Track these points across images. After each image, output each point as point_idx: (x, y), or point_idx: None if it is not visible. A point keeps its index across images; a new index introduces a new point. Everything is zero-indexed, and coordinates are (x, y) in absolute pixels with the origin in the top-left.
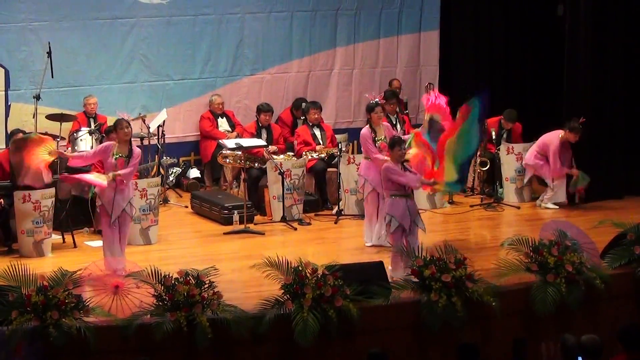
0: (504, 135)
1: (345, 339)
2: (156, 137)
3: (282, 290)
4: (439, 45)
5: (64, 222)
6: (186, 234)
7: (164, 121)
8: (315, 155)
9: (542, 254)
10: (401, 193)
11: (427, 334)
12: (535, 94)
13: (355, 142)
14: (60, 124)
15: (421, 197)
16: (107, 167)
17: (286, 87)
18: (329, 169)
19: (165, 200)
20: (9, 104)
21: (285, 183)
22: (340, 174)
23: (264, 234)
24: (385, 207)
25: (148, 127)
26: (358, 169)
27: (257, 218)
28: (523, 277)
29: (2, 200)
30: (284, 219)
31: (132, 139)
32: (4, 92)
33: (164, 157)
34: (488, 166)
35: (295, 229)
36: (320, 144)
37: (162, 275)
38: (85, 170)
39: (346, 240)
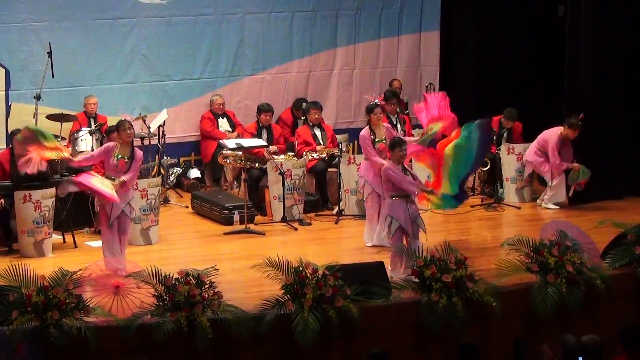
0: (505, 135)
1: (345, 339)
2: (157, 137)
3: (283, 291)
4: (440, 46)
5: (65, 222)
6: (187, 234)
7: (164, 121)
8: (315, 155)
9: (542, 254)
10: (401, 194)
11: (428, 334)
12: (535, 95)
13: (356, 142)
14: (61, 124)
15: None
16: (108, 167)
17: (287, 87)
18: (329, 169)
19: (166, 201)
20: (10, 104)
21: (285, 183)
22: (340, 174)
23: (264, 234)
24: (385, 208)
25: (148, 127)
26: (358, 169)
27: (258, 218)
28: (523, 278)
29: (2, 200)
30: (284, 219)
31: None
32: (4, 92)
33: (165, 157)
34: (488, 166)
35: (296, 229)
36: (320, 144)
37: (163, 275)
38: (87, 169)
39: (347, 241)
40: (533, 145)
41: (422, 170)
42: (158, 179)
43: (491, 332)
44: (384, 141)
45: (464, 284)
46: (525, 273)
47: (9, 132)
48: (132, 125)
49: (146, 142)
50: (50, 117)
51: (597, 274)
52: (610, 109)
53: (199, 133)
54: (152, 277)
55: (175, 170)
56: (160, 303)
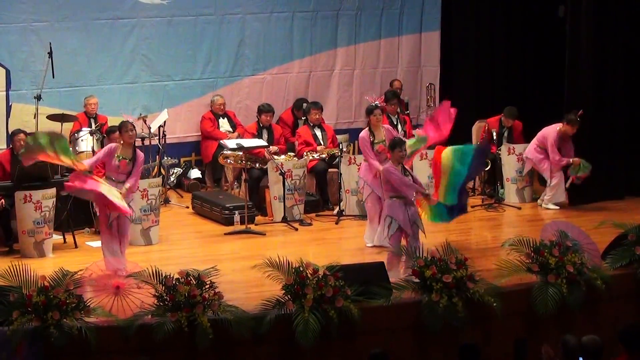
0: (505, 134)
1: (346, 340)
2: (157, 137)
3: (283, 291)
4: (440, 46)
5: (65, 222)
6: (187, 234)
7: (165, 121)
8: (316, 155)
9: (543, 254)
10: (401, 195)
11: (428, 335)
12: (536, 95)
13: (356, 142)
14: (61, 125)
15: None
16: (110, 168)
17: (287, 87)
18: (330, 170)
19: (166, 201)
20: (10, 104)
21: (286, 183)
22: (341, 174)
23: (265, 234)
24: (385, 209)
25: (149, 128)
26: (359, 169)
27: (258, 218)
28: (524, 278)
29: (3, 200)
30: (285, 220)
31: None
32: (5, 93)
33: (165, 158)
34: (489, 167)
35: (296, 229)
36: (321, 144)
37: (163, 275)
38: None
39: (347, 241)
40: (533, 142)
41: (423, 172)
42: (158, 179)
43: (492, 332)
44: (383, 143)
45: (464, 284)
46: (525, 273)
47: (10, 132)
48: (134, 127)
49: (147, 142)
50: (51, 117)
51: (597, 274)
52: (610, 109)
53: (200, 133)
54: (152, 278)
55: (175, 171)
56: (161, 303)
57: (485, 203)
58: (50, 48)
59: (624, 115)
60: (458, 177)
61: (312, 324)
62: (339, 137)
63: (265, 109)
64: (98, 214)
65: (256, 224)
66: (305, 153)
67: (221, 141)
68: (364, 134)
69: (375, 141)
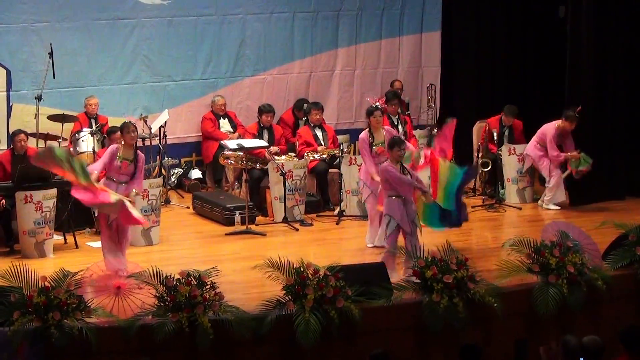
0: (506, 133)
1: (346, 340)
2: (158, 137)
3: (284, 291)
4: (441, 46)
5: (66, 222)
6: (188, 234)
7: (165, 122)
8: (316, 156)
9: (543, 255)
10: (399, 193)
11: (429, 335)
12: (536, 95)
13: (357, 142)
14: (62, 125)
15: None
16: (111, 169)
17: (288, 87)
18: (330, 170)
19: (167, 201)
20: (11, 104)
21: (286, 184)
22: (341, 174)
23: (265, 234)
24: (384, 209)
25: (150, 128)
26: (359, 170)
27: (259, 219)
28: (525, 278)
29: (3, 201)
30: (285, 220)
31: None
32: (5, 93)
33: (166, 158)
34: (490, 167)
35: (297, 229)
36: (321, 144)
37: (164, 276)
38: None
39: (348, 241)
40: (533, 140)
41: (423, 173)
42: (159, 180)
43: (492, 332)
44: (382, 144)
45: (465, 284)
46: (526, 274)
47: (10, 132)
48: (136, 128)
49: (147, 142)
50: (51, 117)
51: (598, 274)
52: (611, 110)
53: (200, 134)
54: (153, 278)
55: (176, 171)
56: (162, 304)
57: (486, 203)
58: (51, 48)
59: (624, 115)
60: (451, 188)
61: (313, 324)
62: (340, 138)
63: (265, 110)
64: (97, 214)
65: (257, 225)
66: (305, 153)
67: (222, 141)
68: (363, 135)
69: (375, 143)
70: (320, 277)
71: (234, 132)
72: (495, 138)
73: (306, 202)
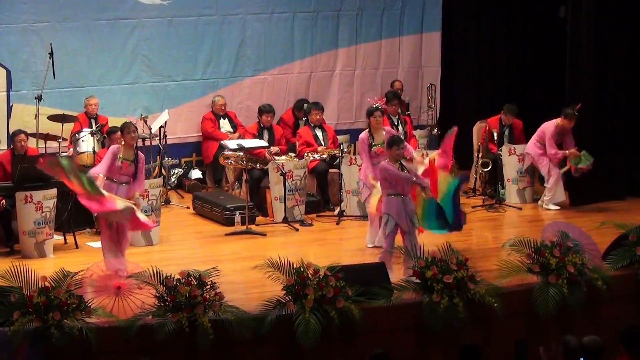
0: (506, 133)
1: (346, 340)
2: (158, 138)
3: (284, 292)
4: (441, 46)
5: (66, 222)
6: (188, 235)
7: (165, 122)
8: (317, 156)
9: (543, 255)
10: (397, 192)
11: (429, 335)
12: (536, 95)
13: (357, 143)
14: (62, 125)
15: None
16: (112, 170)
17: (288, 88)
18: (330, 170)
19: (167, 201)
20: (11, 104)
21: (287, 184)
22: (342, 175)
23: (265, 235)
24: (382, 207)
25: (150, 128)
26: (359, 170)
27: (259, 219)
28: (525, 278)
29: (4, 201)
30: (285, 220)
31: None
32: (5, 93)
33: (166, 158)
34: (490, 167)
35: (297, 230)
36: (322, 145)
37: (164, 276)
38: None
39: (348, 242)
40: (533, 138)
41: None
42: (159, 180)
43: (492, 333)
44: (382, 145)
45: (465, 284)
46: (526, 274)
47: (11, 133)
48: (136, 128)
49: (147, 142)
50: (52, 117)
51: (598, 274)
52: (611, 109)
53: (200, 134)
54: (153, 278)
55: (176, 171)
56: (162, 304)
57: (486, 203)
58: (51, 48)
59: (624, 115)
60: (447, 199)
61: (313, 324)
62: (340, 138)
63: (266, 110)
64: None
65: (257, 225)
66: (306, 154)
67: (222, 142)
68: (363, 135)
69: (375, 143)
70: (321, 277)
71: (234, 132)
72: (496, 138)
73: (306, 202)
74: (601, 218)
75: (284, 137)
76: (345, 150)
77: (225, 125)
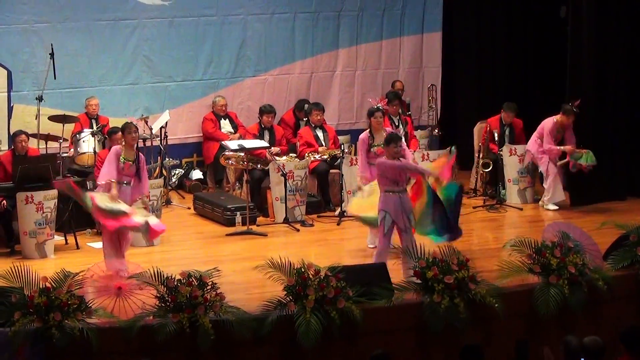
0: (507, 132)
1: (347, 341)
2: (159, 138)
3: (285, 292)
4: (442, 47)
5: (67, 223)
6: (189, 235)
7: (166, 122)
8: (317, 156)
9: (544, 255)
10: (395, 189)
11: (430, 336)
12: (537, 95)
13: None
14: (63, 126)
15: None
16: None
17: (289, 88)
18: (331, 171)
19: (168, 202)
20: (12, 105)
21: (287, 184)
22: (342, 175)
23: (266, 235)
24: (379, 204)
25: (150, 129)
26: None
27: (260, 219)
28: (525, 279)
29: (4, 201)
30: (286, 221)
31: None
32: (6, 94)
33: (167, 159)
34: (491, 168)
35: (298, 230)
36: (322, 145)
37: (165, 276)
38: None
39: (349, 242)
40: (534, 135)
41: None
42: (160, 181)
43: (493, 333)
44: (382, 146)
45: (466, 285)
46: (527, 274)
47: (11, 133)
48: (137, 129)
49: (148, 143)
50: (52, 118)
51: (599, 275)
52: (612, 110)
53: (201, 134)
54: (154, 279)
55: (177, 172)
56: (163, 304)
57: (487, 204)
58: (52, 49)
59: (625, 115)
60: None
61: (314, 324)
62: (341, 138)
63: (266, 110)
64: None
65: (258, 225)
66: (306, 154)
67: (223, 142)
68: (363, 135)
69: (375, 144)
70: (321, 277)
71: (235, 132)
72: (497, 138)
73: (307, 203)
74: (602, 218)
75: (284, 138)
76: (346, 150)
77: (226, 125)
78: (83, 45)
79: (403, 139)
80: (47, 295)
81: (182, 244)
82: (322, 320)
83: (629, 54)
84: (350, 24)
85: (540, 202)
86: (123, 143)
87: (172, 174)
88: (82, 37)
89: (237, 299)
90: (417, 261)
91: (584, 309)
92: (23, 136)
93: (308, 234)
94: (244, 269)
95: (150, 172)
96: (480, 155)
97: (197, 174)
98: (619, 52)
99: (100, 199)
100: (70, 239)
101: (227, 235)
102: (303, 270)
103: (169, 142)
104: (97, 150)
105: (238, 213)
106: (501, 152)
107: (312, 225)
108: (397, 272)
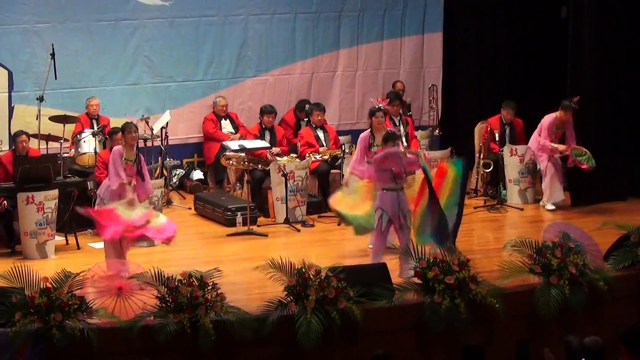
0: (507, 132)
1: (348, 341)
2: (159, 138)
3: (286, 292)
4: (443, 47)
5: (68, 223)
6: (189, 235)
7: (167, 123)
8: (318, 157)
9: (545, 255)
10: (392, 187)
11: (431, 336)
12: (538, 96)
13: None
14: (64, 126)
15: None
16: None
17: (289, 88)
18: (332, 171)
19: (169, 202)
20: (13, 105)
21: (288, 185)
22: (343, 175)
23: (267, 235)
24: (376, 202)
25: (151, 129)
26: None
27: (261, 220)
28: (526, 279)
29: (5, 201)
30: (287, 221)
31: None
32: (7, 94)
33: (167, 159)
34: (491, 168)
35: (299, 230)
36: (323, 145)
37: (166, 277)
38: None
39: (349, 242)
40: (535, 132)
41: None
42: (161, 181)
43: (494, 333)
44: (382, 146)
45: (466, 285)
46: (528, 275)
47: (12, 133)
48: (137, 129)
49: (149, 143)
50: (53, 118)
51: (600, 275)
52: (613, 110)
53: (202, 134)
54: (155, 279)
55: (178, 172)
56: (163, 305)
57: (488, 204)
58: (53, 49)
59: (626, 115)
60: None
61: (315, 325)
62: (341, 139)
63: (267, 110)
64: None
65: (258, 225)
66: (307, 154)
67: (223, 142)
68: (364, 134)
69: (375, 144)
70: (322, 278)
71: (236, 133)
72: (497, 139)
73: (308, 203)
74: (602, 219)
75: (285, 138)
76: (347, 151)
77: (226, 126)
78: (84, 45)
79: (404, 139)
80: (47, 295)
81: (182, 244)
82: (322, 320)
83: (630, 54)
84: (351, 24)
85: (540, 203)
86: (123, 143)
87: (173, 174)
88: (83, 38)
89: (237, 299)
90: (417, 261)
91: (584, 309)
92: (24, 136)
93: (309, 235)
94: (245, 270)
95: (151, 172)
96: (481, 156)
97: (197, 174)
98: (620, 52)
99: (122, 211)
100: (71, 239)
101: (227, 235)
102: (304, 270)
103: (170, 143)
104: (97, 150)
105: (239, 213)
106: (502, 152)
107: (312, 225)
108: (397, 272)
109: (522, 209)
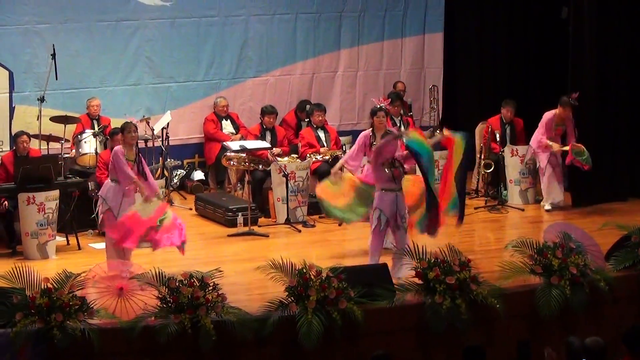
0: (507, 131)
1: (349, 341)
2: (160, 139)
3: (286, 293)
4: (443, 48)
5: (69, 224)
6: (190, 236)
7: (168, 123)
8: (319, 157)
9: (546, 256)
10: (391, 187)
11: (431, 336)
12: (538, 96)
13: None
14: (65, 126)
15: None
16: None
17: (290, 89)
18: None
19: (170, 203)
20: (14, 106)
21: (289, 185)
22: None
23: (268, 236)
24: (374, 201)
25: (152, 129)
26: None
27: (261, 220)
28: (527, 280)
29: (6, 202)
30: (288, 221)
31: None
32: (8, 94)
33: (168, 160)
34: (492, 168)
35: (300, 231)
36: (324, 146)
37: (167, 277)
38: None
39: (350, 243)
40: (537, 130)
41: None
42: (162, 181)
43: (495, 334)
44: None
45: (467, 285)
46: (528, 275)
47: (13, 134)
48: (137, 128)
49: (150, 144)
50: (54, 119)
51: (600, 276)
52: (613, 110)
53: (203, 135)
54: (155, 279)
55: (178, 172)
56: (164, 305)
57: (489, 205)
58: (54, 50)
59: (627, 115)
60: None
61: (316, 325)
62: (342, 139)
63: (268, 111)
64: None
65: (259, 226)
66: (308, 155)
67: (224, 143)
68: (365, 132)
69: (375, 143)
70: (323, 278)
71: (237, 133)
72: (498, 139)
73: (309, 204)
74: (603, 219)
75: (286, 139)
76: (348, 151)
77: (227, 126)
78: (84, 46)
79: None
80: (48, 296)
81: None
82: (323, 321)
83: (630, 54)
84: (352, 24)
85: (541, 203)
86: (123, 143)
87: (174, 174)
88: (84, 38)
89: (238, 299)
90: (418, 261)
91: (585, 309)
92: (25, 137)
93: (309, 235)
94: (246, 270)
95: (152, 173)
96: (482, 156)
97: (198, 175)
98: (621, 52)
99: (142, 211)
100: (72, 240)
101: (228, 236)
102: (304, 271)
103: (171, 143)
104: (98, 151)
105: (240, 214)
106: (502, 153)
107: (313, 226)
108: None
109: (523, 210)
